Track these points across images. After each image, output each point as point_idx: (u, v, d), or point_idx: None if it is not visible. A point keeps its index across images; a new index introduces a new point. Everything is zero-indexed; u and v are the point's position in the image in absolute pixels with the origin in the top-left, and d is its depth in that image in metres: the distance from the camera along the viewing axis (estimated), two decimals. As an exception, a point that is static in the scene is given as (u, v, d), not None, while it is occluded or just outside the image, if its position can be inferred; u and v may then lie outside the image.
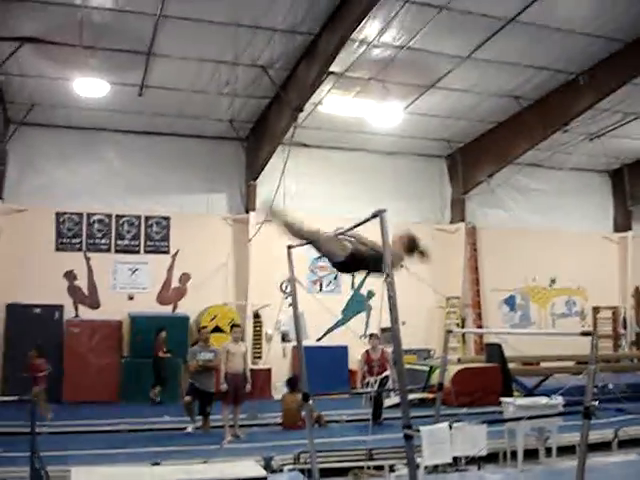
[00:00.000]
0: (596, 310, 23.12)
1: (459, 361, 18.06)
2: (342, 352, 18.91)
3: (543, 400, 11.21)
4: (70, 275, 18.14)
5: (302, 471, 9.75)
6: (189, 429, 12.68)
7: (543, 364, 18.66)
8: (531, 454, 10.93)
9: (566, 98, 16.96)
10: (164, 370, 16.66)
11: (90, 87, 15.69)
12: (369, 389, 13.47)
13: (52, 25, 13.56)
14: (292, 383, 13.59)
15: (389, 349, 13.67)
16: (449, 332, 10.50)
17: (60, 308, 17.80)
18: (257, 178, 19.21)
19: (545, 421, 10.43)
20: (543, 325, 22.41)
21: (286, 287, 8.87)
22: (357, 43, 14.45)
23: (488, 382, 15.79)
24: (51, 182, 18.05)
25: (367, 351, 14.10)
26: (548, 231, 22.01)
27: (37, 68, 15.28)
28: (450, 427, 5.71)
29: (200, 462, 9.95)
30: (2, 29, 13.64)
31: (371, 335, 14.73)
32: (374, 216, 5.83)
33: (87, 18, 13.20)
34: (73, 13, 12.94)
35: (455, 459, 6.93)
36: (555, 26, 14.06)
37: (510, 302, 22.25)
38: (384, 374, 13.72)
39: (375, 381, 13.58)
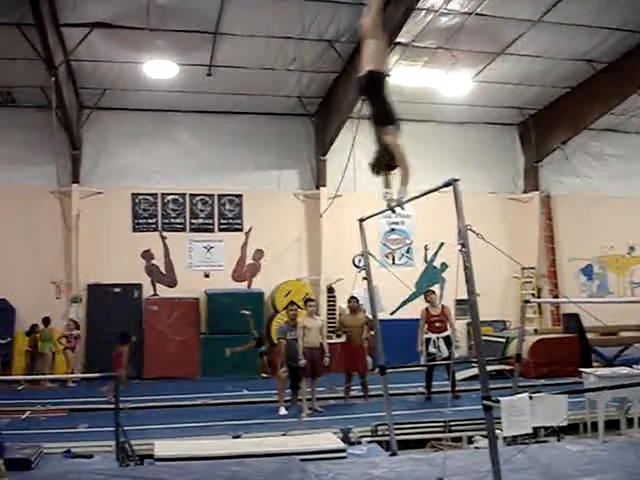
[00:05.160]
0: (677, 277, 22.47)
1: (536, 332, 17.82)
2: (417, 325, 18.85)
3: (624, 370, 10.98)
4: (147, 255, 18.56)
5: (380, 443, 9.82)
6: (282, 411, 12.28)
7: (622, 334, 18.23)
8: (612, 425, 10.73)
9: (642, 60, 16.41)
10: None
11: (159, 69, 15.94)
12: (432, 349, 13.26)
13: (119, 9, 13.80)
14: (352, 303, 13.82)
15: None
16: (526, 302, 10.39)
17: (139, 287, 18.26)
18: (327, 153, 19.21)
19: (627, 391, 10.20)
20: (621, 294, 21.85)
21: (359, 261, 8.89)
22: (423, 12, 14.27)
23: (566, 353, 15.53)
24: (125, 164, 18.44)
25: (426, 308, 13.73)
26: (625, 197, 21.36)
27: (107, 53, 15.57)
28: (530, 398, 5.65)
29: (279, 435, 10.11)
30: (71, 16, 13.96)
31: (426, 292, 14.32)
32: (446, 185, 5.79)
33: (153, 1, 13.38)
34: (139, -4, 13.15)
35: (535, 430, 6.87)
36: (629, -16, 13.61)
37: (587, 271, 21.78)
38: (445, 333, 13.40)
39: (437, 338, 13.31)
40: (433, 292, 14.28)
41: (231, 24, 14.62)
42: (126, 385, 13.73)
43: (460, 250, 5.56)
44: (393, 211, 7.13)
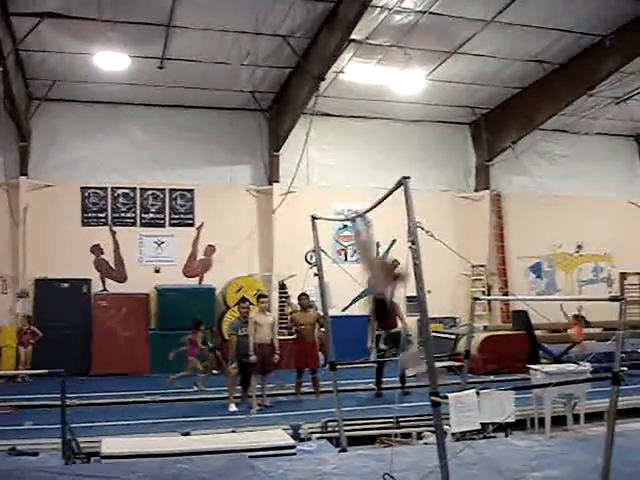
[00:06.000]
0: (623, 276, 22.87)
1: (485, 329, 18.03)
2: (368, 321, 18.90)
3: (571, 367, 11.18)
4: (97, 249, 18.28)
5: (330, 439, 9.81)
6: (232, 407, 12.27)
7: (570, 331, 18.51)
8: (559, 421, 10.91)
9: (591, 61, 16.68)
10: None
11: (111, 61, 15.66)
12: (383, 345, 13.25)
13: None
14: (304, 300, 13.74)
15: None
16: (476, 299, 10.45)
17: (88, 282, 17.99)
18: (280, 149, 19.13)
19: (573, 387, 10.38)
20: (569, 292, 22.23)
21: (311, 257, 8.89)
22: (378, 9, 14.29)
23: (515, 350, 15.74)
24: (75, 157, 18.11)
25: None
26: (574, 197, 21.72)
27: (57, 43, 15.28)
28: (478, 394, 5.69)
29: (229, 431, 10.07)
30: (22, 5, 13.67)
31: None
32: (399, 185, 5.82)
33: (105, -9, 13.18)
34: (92, -14, 12.93)
35: (483, 426, 6.93)
36: (580, -13, 13.81)
37: (536, 269, 22.10)
38: (395, 329, 13.42)
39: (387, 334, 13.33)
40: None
41: (184, 17, 14.46)
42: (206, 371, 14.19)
43: (410, 247, 5.59)
44: (353, 221, 7.28)
